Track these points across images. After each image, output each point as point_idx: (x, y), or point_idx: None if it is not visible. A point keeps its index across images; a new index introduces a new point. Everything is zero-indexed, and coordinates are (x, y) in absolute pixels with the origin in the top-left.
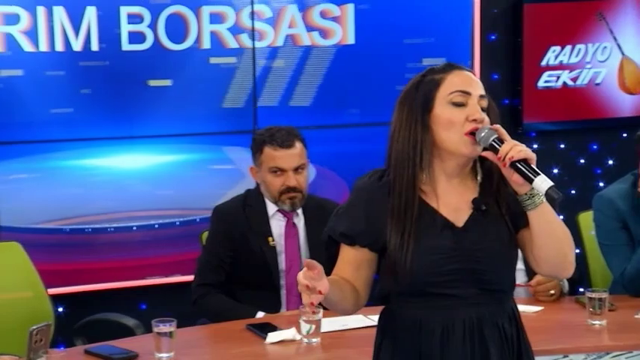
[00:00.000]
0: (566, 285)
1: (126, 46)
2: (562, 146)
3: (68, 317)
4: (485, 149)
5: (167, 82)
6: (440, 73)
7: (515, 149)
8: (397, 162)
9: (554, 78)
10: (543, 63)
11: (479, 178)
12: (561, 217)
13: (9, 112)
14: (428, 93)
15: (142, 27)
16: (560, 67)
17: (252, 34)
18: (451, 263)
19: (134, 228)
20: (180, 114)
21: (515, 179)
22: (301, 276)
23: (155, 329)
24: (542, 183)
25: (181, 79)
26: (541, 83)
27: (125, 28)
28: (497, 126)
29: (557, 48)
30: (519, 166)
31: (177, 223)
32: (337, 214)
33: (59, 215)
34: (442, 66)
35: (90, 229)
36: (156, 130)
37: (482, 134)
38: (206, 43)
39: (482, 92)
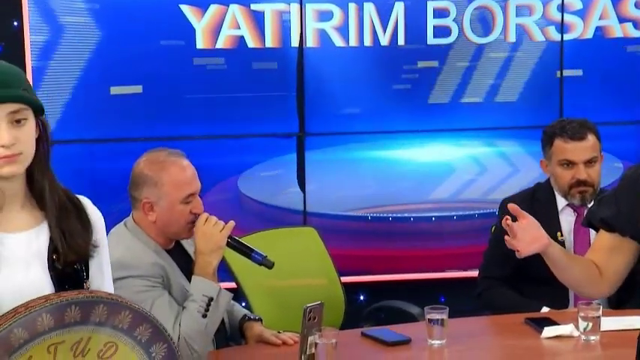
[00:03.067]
0: None
1: (431, 40)
2: None
3: (367, 305)
4: None
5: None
6: None
7: None
8: None
9: None
10: None
11: None
12: None
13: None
14: None
15: (448, 21)
16: None
17: (561, 26)
18: None
19: (433, 219)
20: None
21: None
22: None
23: (427, 316)
24: None
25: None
26: None
27: (431, 23)
28: None
29: None
30: None
31: (476, 216)
32: (602, 200)
33: (364, 204)
34: None
35: (391, 218)
36: (458, 124)
37: None
38: (511, 37)
39: None
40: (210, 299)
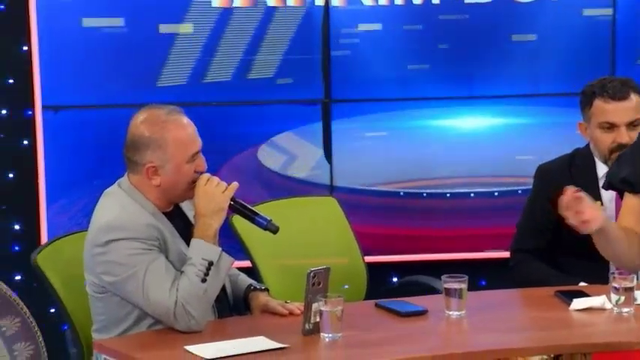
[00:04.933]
0: None
1: None
2: None
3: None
4: None
5: (532, 37)
6: None
7: None
8: None
9: None
10: None
11: None
12: None
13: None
14: None
15: None
16: None
17: None
18: None
19: (472, 195)
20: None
21: None
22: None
23: (445, 285)
24: None
25: (546, 34)
26: None
27: None
28: None
29: None
30: None
31: (520, 192)
32: (620, 158)
33: (395, 178)
34: None
35: (425, 194)
36: (499, 90)
37: None
38: None
39: None
40: (210, 263)
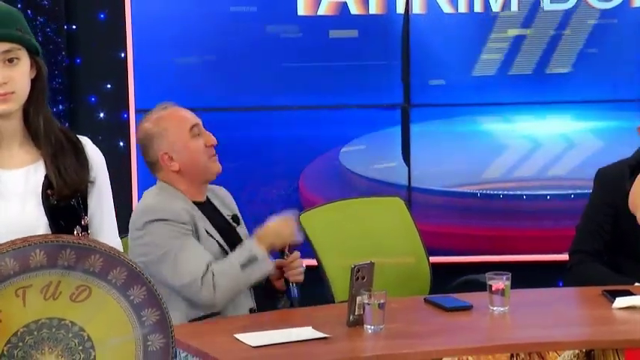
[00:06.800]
0: None
1: (547, 5)
2: None
3: None
4: None
5: None
6: None
7: None
8: None
9: None
10: None
11: None
12: None
13: None
14: None
15: None
16: None
17: None
18: None
19: (548, 197)
20: None
21: None
22: None
23: (489, 282)
24: None
25: None
26: None
27: None
28: None
29: None
30: None
31: None
32: None
33: (472, 180)
34: None
35: (502, 195)
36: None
37: None
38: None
39: None
40: (254, 257)
